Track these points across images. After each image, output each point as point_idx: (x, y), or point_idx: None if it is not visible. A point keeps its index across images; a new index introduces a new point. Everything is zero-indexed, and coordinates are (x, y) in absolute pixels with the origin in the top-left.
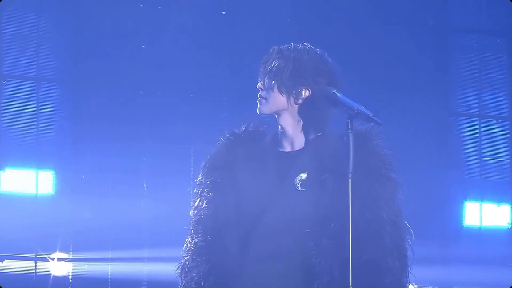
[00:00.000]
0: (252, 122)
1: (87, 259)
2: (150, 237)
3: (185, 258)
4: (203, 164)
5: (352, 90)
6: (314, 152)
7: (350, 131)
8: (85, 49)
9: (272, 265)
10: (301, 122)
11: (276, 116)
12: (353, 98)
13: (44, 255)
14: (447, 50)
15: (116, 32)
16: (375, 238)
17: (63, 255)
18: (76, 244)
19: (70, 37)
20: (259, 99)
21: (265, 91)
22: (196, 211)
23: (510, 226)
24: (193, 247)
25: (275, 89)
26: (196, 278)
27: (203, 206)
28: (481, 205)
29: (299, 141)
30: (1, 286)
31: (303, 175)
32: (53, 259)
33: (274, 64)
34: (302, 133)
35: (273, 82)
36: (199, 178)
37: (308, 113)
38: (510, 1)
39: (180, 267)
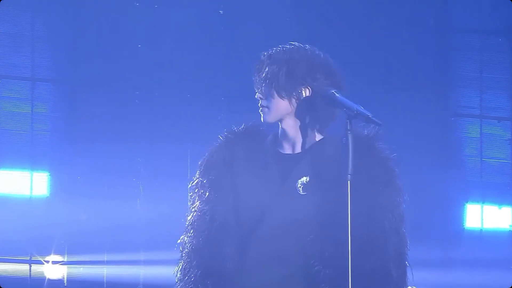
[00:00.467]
0: (251, 122)
1: (82, 261)
2: (147, 239)
3: (182, 261)
4: (200, 162)
5: (352, 90)
6: (316, 155)
7: (349, 132)
8: (81, 50)
9: (272, 268)
10: (303, 124)
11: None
12: (353, 98)
13: (39, 258)
14: (448, 50)
15: (112, 32)
16: (378, 247)
17: (58, 257)
18: (71, 247)
19: (66, 37)
20: (261, 108)
21: (265, 100)
22: (192, 212)
23: None
24: (188, 249)
25: (275, 95)
26: (193, 281)
27: (199, 207)
28: (482, 207)
29: (301, 144)
30: None
31: (305, 179)
32: (47, 261)
33: (268, 71)
34: (304, 135)
35: (271, 89)
36: (195, 177)
37: (310, 114)
38: (511, 1)
39: (177, 270)
